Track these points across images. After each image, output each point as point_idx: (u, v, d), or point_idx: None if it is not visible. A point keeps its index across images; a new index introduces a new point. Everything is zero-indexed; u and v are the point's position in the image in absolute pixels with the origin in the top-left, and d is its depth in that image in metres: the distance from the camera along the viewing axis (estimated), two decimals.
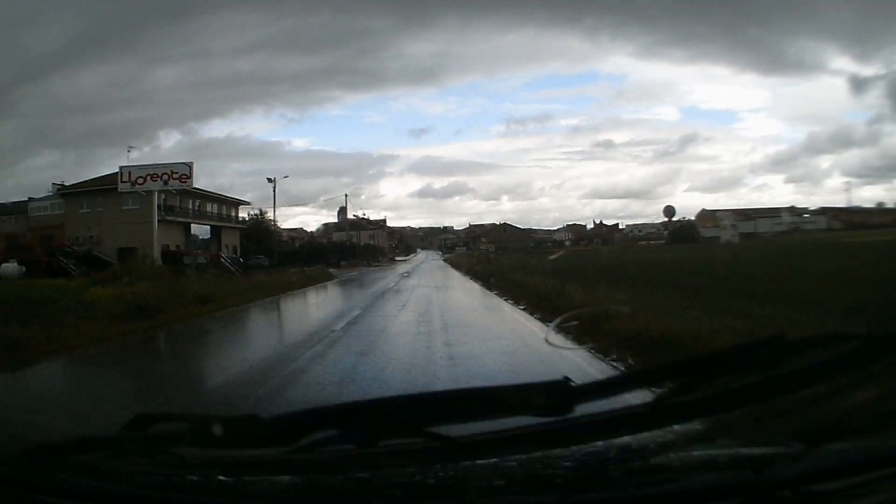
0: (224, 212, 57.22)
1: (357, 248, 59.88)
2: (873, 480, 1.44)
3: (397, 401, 1.66)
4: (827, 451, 1.59)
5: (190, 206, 54.61)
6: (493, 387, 1.65)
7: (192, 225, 53.27)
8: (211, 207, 54.52)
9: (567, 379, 1.59)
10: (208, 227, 55.08)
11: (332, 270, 44.11)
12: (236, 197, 61.55)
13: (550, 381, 1.58)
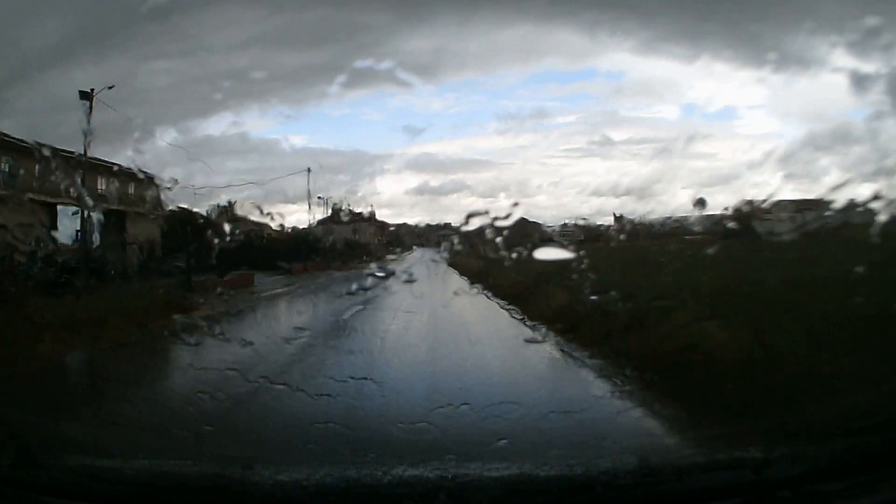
0: (139, 193, 49.88)
1: (327, 246, 49.82)
2: (873, 480, 1.61)
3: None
4: (827, 451, 1.75)
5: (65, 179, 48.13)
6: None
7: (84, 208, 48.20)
8: (107, 184, 48.41)
9: (644, 460, 1.78)
10: (100, 212, 48.91)
11: (269, 280, 33.55)
12: (155, 174, 53.61)
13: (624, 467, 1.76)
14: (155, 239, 32.21)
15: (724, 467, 1.78)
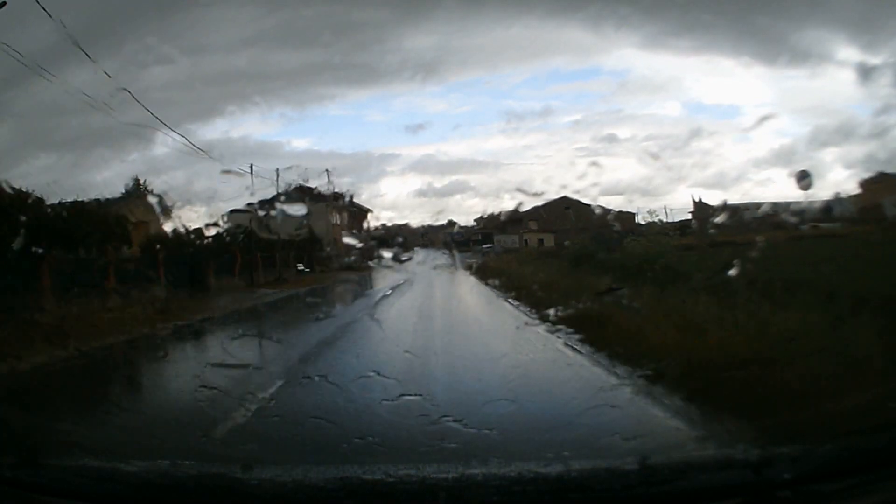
0: None
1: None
2: (873, 480, 1.59)
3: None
4: (827, 451, 1.72)
5: None
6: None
7: None
8: None
9: (644, 460, 1.77)
10: None
11: None
12: None
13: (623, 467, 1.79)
14: None
15: (725, 467, 1.79)
